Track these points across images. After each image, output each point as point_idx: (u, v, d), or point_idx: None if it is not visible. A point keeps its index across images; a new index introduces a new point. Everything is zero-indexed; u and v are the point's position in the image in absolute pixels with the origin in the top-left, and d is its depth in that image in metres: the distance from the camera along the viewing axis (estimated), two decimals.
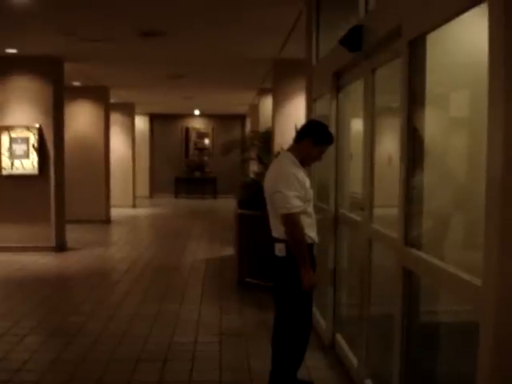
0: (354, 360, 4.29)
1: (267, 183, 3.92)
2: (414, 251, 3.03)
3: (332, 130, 4.36)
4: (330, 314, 5.00)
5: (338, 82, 4.85)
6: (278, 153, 7.24)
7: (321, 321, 5.26)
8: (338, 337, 4.86)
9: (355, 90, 4.50)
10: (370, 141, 3.87)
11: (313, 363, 4.60)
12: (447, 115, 3.35)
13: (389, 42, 3.44)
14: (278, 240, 3.82)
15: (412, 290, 3.19)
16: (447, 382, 3.18)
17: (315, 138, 3.88)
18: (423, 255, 2.93)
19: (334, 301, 4.97)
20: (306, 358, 4.10)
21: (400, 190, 3.15)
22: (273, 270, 3.96)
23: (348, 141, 4.88)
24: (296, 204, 3.68)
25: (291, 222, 3.69)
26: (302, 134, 3.96)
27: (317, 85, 5.62)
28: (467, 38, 2.88)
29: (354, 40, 3.91)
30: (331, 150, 4.39)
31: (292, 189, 3.68)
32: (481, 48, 2.23)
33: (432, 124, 3.16)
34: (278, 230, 3.83)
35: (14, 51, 9.06)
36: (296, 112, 8.92)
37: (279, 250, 3.81)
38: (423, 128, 3.11)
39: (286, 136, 8.46)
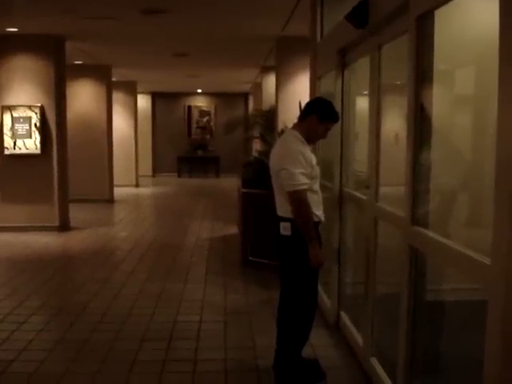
0: (358, 338, 4.30)
1: (273, 161, 3.89)
2: (421, 230, 3.00)
3: (337, 107, 4.32)
4: (335, 292, 4.99)
5: (344, 59, 4.79)
6: (282, 131, 7.24)
7: (325, 299, 5.26)
8: (343, 315, 4.86)
9: (361, 67, 4.44)
10: (376, 118, 3.83)
11: (317, 341, 4.60)
12: (455, 92, 3.31)
13: (396, 18, 3.38)
14: (283, 219, 3.79)
15: (418, 268, 3.17)
16: (453, 361, 3.17)
17: (321, 115, 3.84)
18: (430, 234, 2.91)
19: (338, 279, 4.96)
20: (310, 337, 4.09)
21: (407, 168, 3.11)
22: (278, 249, 3.94)
23: (353, 119, 4.84)
24: (302, 181, 3.64)
25: (298, 199, 3.66)
26: (307, 111, 3.92)
27: (321, 62, 5.56)
28: (476, 13, 2.82)
29: (360, 16, 3.85)
30: (336, 127, 4.35)
31: (298, 166, 3.65)
32: (490, 23, 2.18)
33: (440, 101, 3.12)
34: (283, 208, 3.80)
35: (14, 30, 8.97)
36: (300, 90, 8.82)
37: (284, 228, 3.78)
38: (431, 105, 3.06)
39: (289, 114, 8.38)
